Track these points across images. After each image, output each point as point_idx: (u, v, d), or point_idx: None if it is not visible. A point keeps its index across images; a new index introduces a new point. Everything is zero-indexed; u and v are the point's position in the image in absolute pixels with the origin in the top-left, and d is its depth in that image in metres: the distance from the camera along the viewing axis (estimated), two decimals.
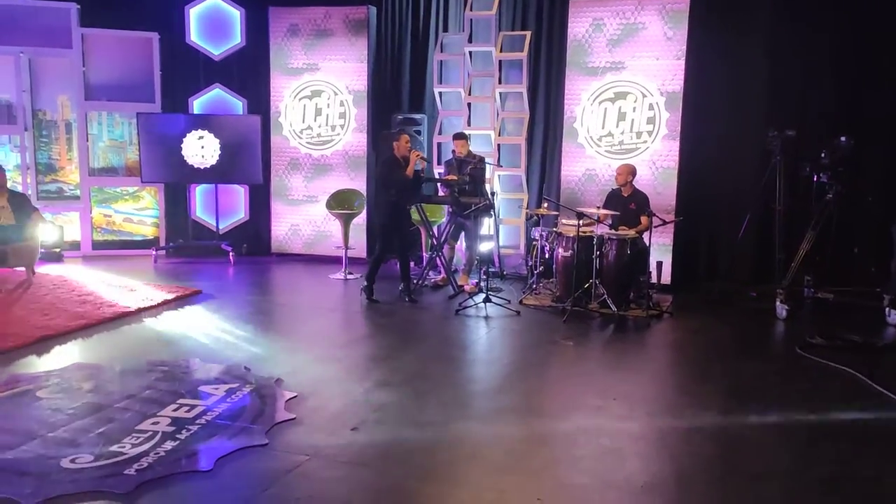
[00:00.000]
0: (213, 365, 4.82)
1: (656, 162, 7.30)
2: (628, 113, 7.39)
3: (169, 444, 3.62)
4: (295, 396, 4.26)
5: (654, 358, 5.39)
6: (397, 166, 6.55)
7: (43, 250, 7.69)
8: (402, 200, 6.63)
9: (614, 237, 6.38)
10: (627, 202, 6.75)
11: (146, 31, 8.55)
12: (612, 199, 6.85)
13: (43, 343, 5.24)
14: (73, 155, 8.71)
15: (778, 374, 4.92)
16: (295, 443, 3.66)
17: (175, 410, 4.04)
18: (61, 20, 8.36)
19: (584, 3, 7.44)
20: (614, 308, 6.18)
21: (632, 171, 6.82)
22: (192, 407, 4.09)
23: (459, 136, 7.20)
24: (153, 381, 4.50)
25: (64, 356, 4.99)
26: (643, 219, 6.64)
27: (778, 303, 6.38)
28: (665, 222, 6.55)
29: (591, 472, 3.41)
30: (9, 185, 7.38)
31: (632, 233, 6.49)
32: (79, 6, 8.36)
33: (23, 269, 7.10)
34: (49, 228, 7.91)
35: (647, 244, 6.41)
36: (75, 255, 8.56)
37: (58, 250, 8.32)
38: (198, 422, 3.90)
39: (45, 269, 7.62)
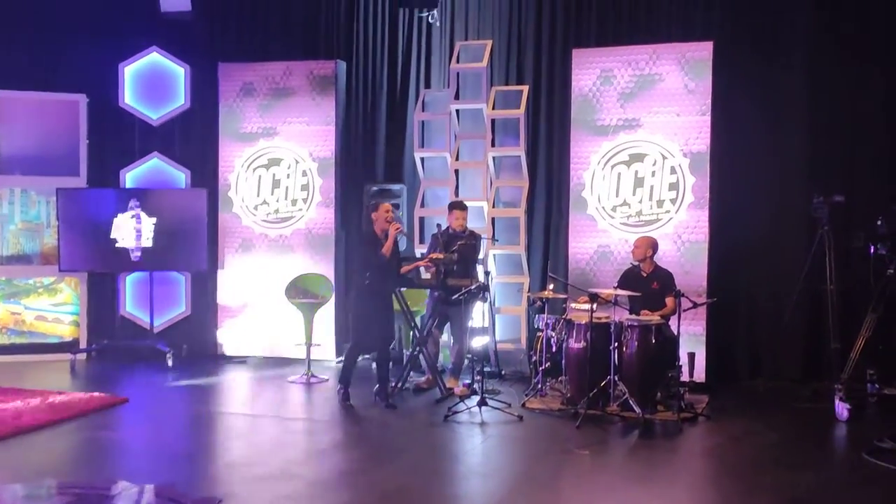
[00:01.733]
0: (140, 487, 4.69)
1: (682, 235, 7.43)
2: (646, 178, 7.57)
3: None
4: None
5: (689, 468, 5.33)
6: (374, 244, 6.61)
7: None
8: (381, 285, 6.64)
9: (636, 324, 6.39)
10: (649, 282, 6.81)
11: (72, 92, 8.78)
12: (630, 279, 6.88)
13: None
14: None
15: (842, 485, 4.87)
16: None
17: None
18: None
19: (590, 53, 7.76)
20: (638, 410, 6.14)
21: (652, 245, 6.94)
22: None
23: (458, 206, 7.29)
24: None
25: None
26: (669, 300, 6.67)
27: (837, 401, 6.35)
28: (696, 305, 6.59)
29: None
30: None
31: (656, 318, 6.52)
32: None
33: None
34: None
35: (676, 332, 6.40)
36: None
37: None
38: None
39: None
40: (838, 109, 7.43)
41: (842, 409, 6.31)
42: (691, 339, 7.16)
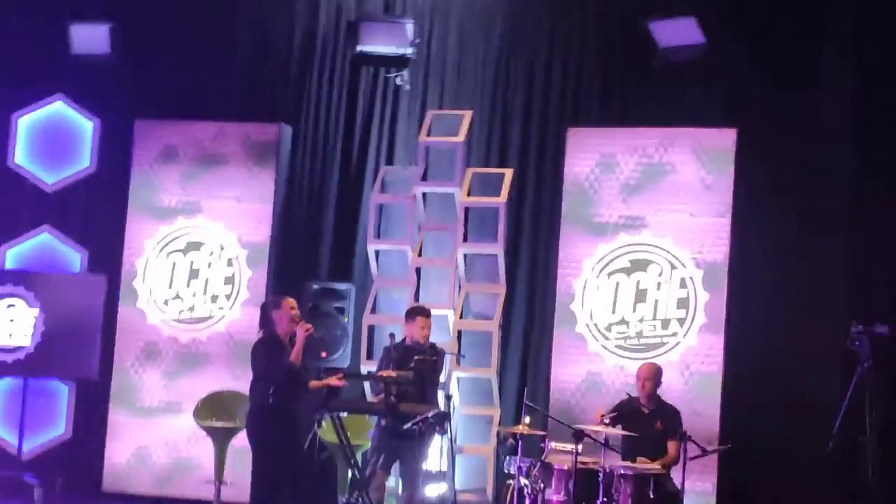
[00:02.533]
0: None
1: (691, 365, 7.47)
2: (650, 291, 7.63)
3: None
4: None
5: None
6: (279, 348, 6.39)
7: None
8: (290, 405, 6.41)
9: (630, 472, 6.30)
10: (651, 421, 6.75)
11: None
12: (628, 415, 6.76)
13: None
14: None
15: None
16: None
17: None
18: None
19: (589, 133, 7.96)
20: None
21: (655, 375, 6.92)
22: None
23: (421, 312, 7.10)
24: None
25: None
26: (672, 446, 6.61)
27: None
28: (706, 452, 6.51)
29: None
30: None
31: (656, 466, 6.44)
32: None
33: None
34: None
35: (680, 487, 6.32)
36: None
37: None
38: None
39: None
40: (887, 222, 7.48)
41: None
42: (699, 498, 7.12)
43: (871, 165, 7.59)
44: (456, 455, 7.58)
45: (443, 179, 8.31)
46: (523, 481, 6.70)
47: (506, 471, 7.06)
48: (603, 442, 6.39)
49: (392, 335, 7.17)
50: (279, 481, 6.40)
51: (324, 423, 6.91)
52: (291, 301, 6.50)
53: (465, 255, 8.15)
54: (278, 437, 6.30)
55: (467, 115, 8.35)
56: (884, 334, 6.79)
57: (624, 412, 6.81)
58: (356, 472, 7.10)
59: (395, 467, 7.22)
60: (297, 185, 8.96)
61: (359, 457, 7.40)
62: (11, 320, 8.52)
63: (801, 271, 7.66)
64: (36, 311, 8.54)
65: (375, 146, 8.86)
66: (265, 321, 6.53)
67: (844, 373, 7.08)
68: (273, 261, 8.65)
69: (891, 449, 6.86)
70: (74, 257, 8.99)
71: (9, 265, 8.90)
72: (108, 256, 8.87)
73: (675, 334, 7.57)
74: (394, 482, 7.40)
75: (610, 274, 7.76)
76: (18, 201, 9.01)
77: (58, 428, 8.88)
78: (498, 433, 7.58)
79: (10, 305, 8.54)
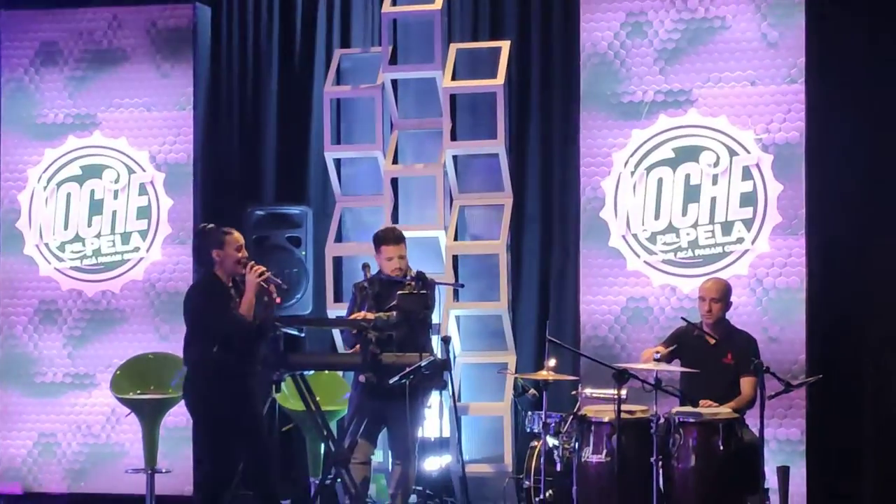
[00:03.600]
0: None
1: (764, 280, 7.50)
2: (704, 186, 7.65)
3: None
4: None
5: None
6: (224, 296, 6.48)
7: None
8: (238, 365, 6.48)
9: (692, 419, 6.41)
10: (718, 353, 6.80)
11: None
12: (688, 346, 6.89)
13: None
14: None
15: None
16: None
17: None
18: None
19: None
20: None
21: (725, 294, 6.95)
22: None
23: (389, 238, 7.21)
24: None
25: None
26: (746, 383, 6.68)
27: None
28: (789, 387, 6.52)
29: None
30: None
31: (726, 410, 6.52)
32: None
33: None
34: None
35: (759, 433, 6.34)
36: None
37: None
38: None
39: None
40: None
41: None
42: (783, 447, 7.24)
43: None
44: (461, 416, 7.69)
45: (418, 61, 8.35)
46: (552, 442, 6.86)
47: (528, 430, 7.22)
48: (654, 384, 6.41)
49: (366, 266, 7.28)
50: (230, 462, 6.61)
51: (283, 386, 6.86)
52: (237, 236, 6.57)
53: (454, 158, 8.18)
54: (226, 407, 6.38)
55: None
56: None
57: (682, 344, 6.90)
58: (331, 445, 7.07)
59: (382, 436, 7.38)
60: (224, 83, 9.03)
61: (333, 426, 7.50)
62: None
63: None
64: None
65: (325, 25, 8.88)
66: (202, 261, 6.64)
67: None
68: (200, 184, 8.71)
69: None
70: None
71: None
72: None
73: (740, 241, 7.57)
74: (381, 455, 7.61)
75: (649, 168, 7.77)
76: None
77: None
78: (515, 383, 7.64)
79: None
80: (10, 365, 8.74)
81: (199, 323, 6.45)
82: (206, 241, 6.58)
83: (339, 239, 8.36)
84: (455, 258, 8.14)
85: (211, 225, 6.78)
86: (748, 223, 7.56)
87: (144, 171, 8.69)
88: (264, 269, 6.48)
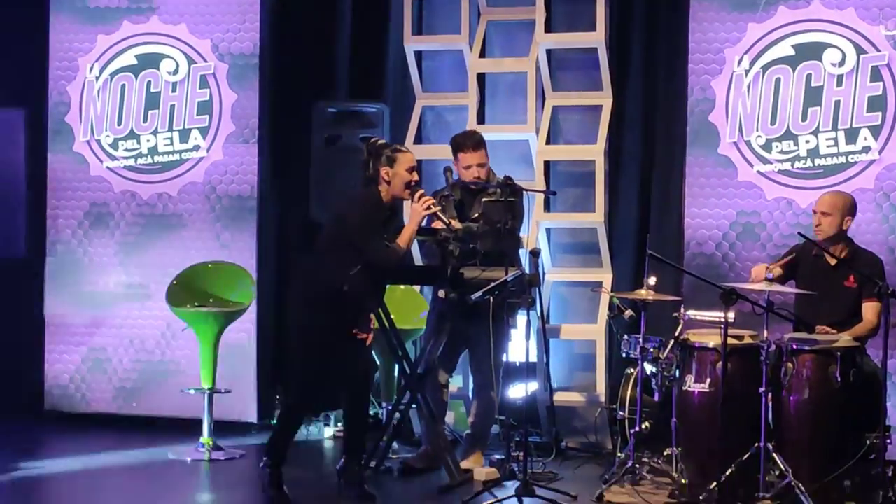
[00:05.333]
0: None
1: (891, 193, 7.09)
2: (826, 88, 7.13)
3: None
4: None
5: None
6: (379, 221, 6.33)
7: None
8: (366, 294, 6.35)
9: (808, 347, 6.03)
10: (839, 275, 6.38)
11: None
12: (805, 267, 6.48)
13: None
14: None
15: None
16: None
17: None
18: None
19: None
20: None
21: (848, 210, 6.47)
22: None
23: (468, 145, 6.98)
24: None
25: None
26: (869, 308, 6.27)
27: None
28: None
29: None
30: None
31: (846, 337, 6.09)
32: None
33: None
34: None
35: (882, 364, 5.96)
36: None
37: None
38: None
39: None
40: None
41: None
42: None
43: None
44: (550, 338, 7.50)
45: None
46: (650, 369, 6.60)
47: (623, 355, 6.94)
48: (765, 306, 6.08)
49: (448, 170, 7.08)
50: (322, 385, 6.58)
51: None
52: (410, 156, 6.45)
53: (548, 53, 7.85)
54: (342, 331, 6.30)
55: None
56: None
57: (798, 263, 6.54)
58: (406, 368, 6.99)
59: (463, 359, 7.31)
60: None
61: (409, 348, 7.42)
62: None
63: None
64: None
65: None
66: (367, 176, 6.46)
67: None
68: (267, 77, 8.36)
69: None
70: None
71: None
72: (25, 84, 8.68)
73: (867, 150, 7.07)
74: (461, 380, 7.59)
75: (766, 67, 7.27)
76: None
77: None
78: (610, 303, 7.29)
79: None
80: (58, 273, 8.53)
81: (348, 239, 6.31)
82: (376, 155, 6.38)
83: (418, 140, 8.06)
84: (547, 164, 7.87)
85: (382, 139, 6.78)
86: (875, 130, 7.08)
87: (206, 61, 8.37)
88: (433, 200, 6.47)
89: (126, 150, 8.42)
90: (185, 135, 8.33)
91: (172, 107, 8.35)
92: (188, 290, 7.77)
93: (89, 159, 8.44)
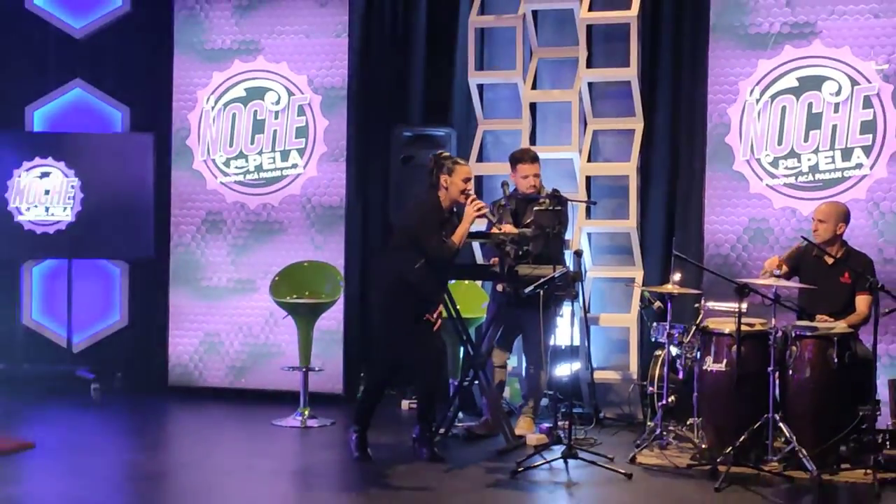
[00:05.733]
0: None
1: (881, 203, 7.40)
2: (825, 115, 7.52)
3: None
4: None
5: None
6: (438, 223, 6.66)
7: None
8: (431, 284, 6.70)
9: (808, 333, 6.39)
10: (835, 272, 6.76)
11: None
12: (806, 265, 6.86)
13: None
14: None
15: None
16: None
17: None
18: None
19: None
20: (812, 467, 6.06)
21: (842, 218, 6.87)
22: None
23: (526, 158, 7.34)
24: None
25: None
26: (862, 301, 6.63)
27: None
28: None
29: None
30: None
31: (841, 325, 6.47)
32: None
33: None
34: None
35: (872, 348, 6.26)
36: None
37: None
38: None
39: None
40: None
41: None
42: None
43: None
44: (591, 325, 7.80)
45: None
46: (675, 351, 6.97)
47: (653, 340, 7.30)
48: (773, 298, 6.45)
49: (504, 184, 7.35)
50: (398, 360, 6.84)
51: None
52: (467, 169, 6.75)
53: (590, 85, 8.12)
54: (413, 313, 6.63)
55: None
56: None
57: (800, 262, 6.87)
58: (470, 350, 7.34)
59: (517, 343, 7.60)
60: (376, 13, 8.95)
61: (472, 333, 7.66)
62: (46, 192, 8.75)
63: None
64: (74, 181, 8.76)
65: None
66: (430, 183, 6.74)
67: None
68: (353, 106, 8.71)
69: None
70: (114, 115, 9.21)
71: (37, 128, 9.12)
72: (153, 112, 9.05)
73: (859, 166, 7.45)
74: (516, 360, 7.76)
75: (774, 97, 7.67)
76: (42, 51, 9.18)
77: (112, 315, 9.29)
78: (641, 296, 7.69)
79: (43, 175, 8.77)
80: (180, 270, 8.92)
81: (412, 237, 6.61)
82: (438, 166, 6.68)
83: (479, 159, 8.32)
84: (588, 178, 8.13)
85: (446, 153, 6.98)
86: (867, 149, 7.44)
87: (303, 93, 8.72)
88: (483, 204, 6.70)
89: (236, 167, 8.75)
90: (285, 155, 8.65)
91: (275, 131, 8.67)
92: (288, 284, 8.11)
93: (206, 176, 8.81)
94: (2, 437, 7.15)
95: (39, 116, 9.20)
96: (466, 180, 6.64)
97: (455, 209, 6.70)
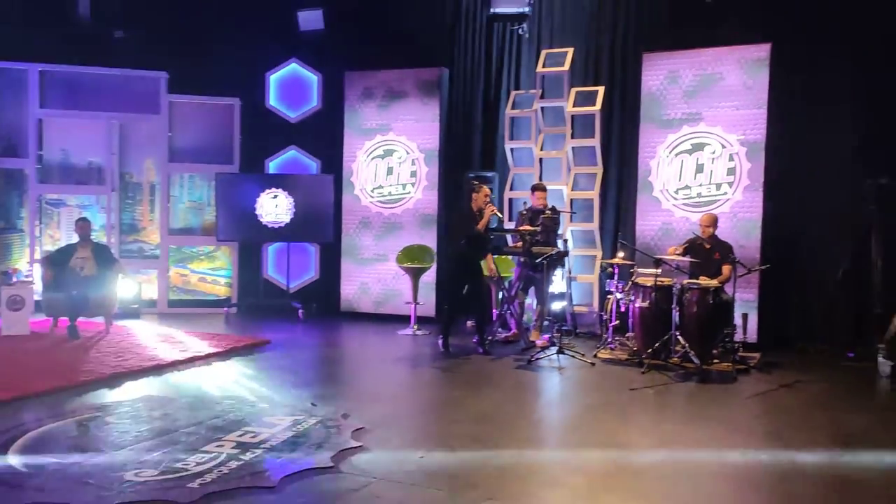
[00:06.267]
0: (279, 400, 4.86)
1: (738, 214, 7.16)
2: (706, 164, 7.30)
3: (233, 464, 3.62)
4: (361, 428, 4.23)
5: (744, 406, 5.10)
6: (471, 219, 6.65)
7: (120, 306, 7.95)
8: (472, 253, 6.68)
9: (695, 286, 6.21)
10: (711, 252, 6.58)
11: (229, 96, 9.08)
12: (694, 248, 6.63)
13: (115, 379, 5.40)
14: (154, 216, 9.10)
15: (889, 424, 4.57)
16: (361, 467, 3.61)
17: (240, 436, 4.06)
18: (151, 87, 8.93)
19: (658, 57, 7.47)
20: (697, 361, 5.92)
21: (715, 221, 6.72)
22: (257, 434, 4.10)
23: (539, 188, 7.29)
24: (219, 412, 4.55)
25: (134, 391, 5.12)
26: (725, 268, 6.46)
27: (880, 359, 6.04)
28: (749, 270, 6.39)
29: None
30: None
31: (714, 283, 6.29)
32: (168, 74, 8.93)
33: (101, 318, 7.37)
34: (128, 284, 8.21)
35: (732, 296, 6.20)
36: (151, 313, 8.81)
37: (135, 306, 8.57)
38: (262, 446, 3.89)
39: (122, 323, 7.88)
40: (885, 102, 6.84)
41: (885, 365, 5.98)
42: (745, 304, 6.87)
43: (876, 66, 6.86)
44: (572, 281, 7.65)
45: (555, 97, 8.04)
46: (619, 296, 6.78)
47: (606, 290, 7.16)
48: (675, 266, 6.37)
49: (525, 202, 7.39)
50: (459, 299, 6.76)
51: (482, 261, 6.88)
52: (488, 190, 6.71)
53: (572, 148, 7.97)
54: (464, 271, 6.65)
55: (570, 51, 8.05)
56: (886, 184, 6.43)
57: (691, 247, 6.67)
58: (504, 294, 7.25)
59: (531, 291, 7.40)
60: (454, 108, 8.83)
61: (506, 284, 7.44)
62: (276, 206, 8.75)
63: (820, 142, 7.08)
64: (291, 200, 8.75)
65: (506, 77, 8.64)
66: (466, 198, 6.72)
67: (855, 215, 6.75)
68: (441, 159, 8.60)
69: (888, 265, 6.52)
70: (312, 164, 9.21)
71: (271, 171, 9.19)
72: (333, 163, 8.97)
73: (725, 193, 7.23)
74: (530, 300, 7.49)
75: (677, 154, 7.41)
76: (274, 130, 9.20)
77: (311, 273, 9.26)
78: (601, 265, 7.59)
79: (274, 196, 8.76)
80: (346, 248, 8.85)
81: (457, 227, 6.66)
82: (469, 187, 6.72)
83: (511, 188, 8.24)
84: (571, 200, 7.93)
85: (476, 181, 7.00)
86: (731, 184, 7.20)
87: (414, 153, 8.59)
88: (495, 208, 6.71)
89: (380, 193, 8.66)
90: (404, 187, 8.56)
91: (399, 174, 8.58)
92: (406, 257, 8.11)
93: (361, 197, 8.72)
94: (252, 336, 7.21)
95: (272, 165, 9.24)
96: (487, 195, 6.64)
97: (480, 211, 6.63)
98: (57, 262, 7.27)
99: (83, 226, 7.48)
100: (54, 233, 8.89)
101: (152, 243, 9.11)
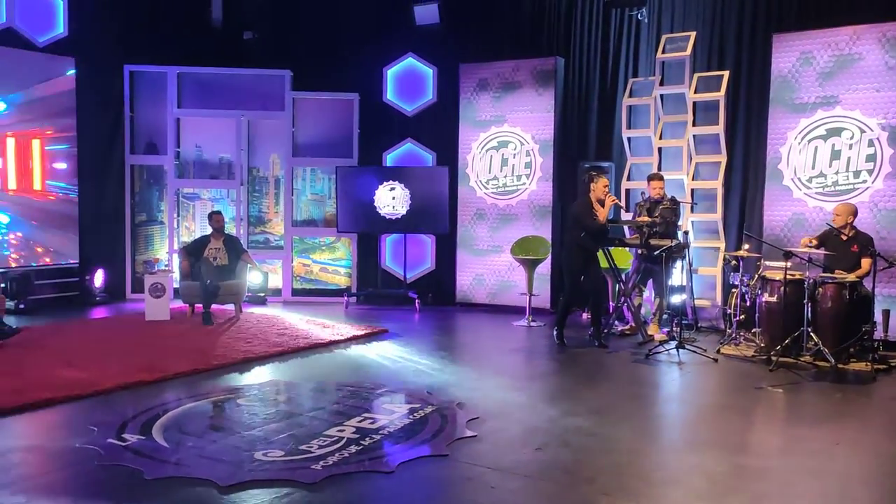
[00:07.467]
0: (396, 387, 5.00)
1: (878, 203, 6.69)
2: (843, 151, 6.87)
3: (353, 448, 3.77)
4: (476, 418, 4.28)
5: (884, 408, 4.80)
6: (591, 209, 6.54)
7: (249, 294, 8.41)
8: (591, 244, 6.57)
9: (830, 280, 5.87)
10: (848, 244, 6.20)
11: (348, 92, 9.34)
12: (830, 240, 6.29)
13: (245, 364, 5.73)
14: (279, 208, 9.52)
15: None
16: (475, 456, 3.65)
17: (360, 422, 4.21)
18: (277, 85, 9.36)
19: (790, 38, 7.07)
20: (832, 360, 5.62)
21: (853, 212, 6.28)
22: (376, 420, 4.24)
23: (656, 177, 7.07)
24: (340, 398, 4.74)
25: (262, 375, 5.41)
26: (865, 261, 6.08)
27: None
28: (891, 264, 5.96)
29: None
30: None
31: (852, 276, 5.94)
32: (292, 73, 9.32)
33: (232, 305, 7.83)
34: (256, 273, 8.65)
35: (872, 291, 5.82)
36: (276, 300, 9.24)
37: (262, 294, 9.04)
38: (381, 432, 4.03)
39: (250, 310, 8.32)
40: None
41: None
42: (886, 299, 6.42)
43: None
44: (693, 273, 7.39)
45: (675, 83, 7.73)
46: (744, 290, 6.57)
47: (730, 283, 6.90)
48: (808, 259, 6.06)
49: (643, 193, 7.20)
50: (578, 291, 6.67)
51: (598, 254, 6.78)
52: (605, 180, 6.60)
53: (693, 136, 7.67)
54: (583, 263, 6.53)
55: (692, 35, 7.69)
56: None
57: (826, 239, 6.34)
58: (621, 286, 7.12)
59: (649, 284, 7.22)
60: (569, 98, 8.65)
61: (623, 276, 7.30)
62: (393, 198, 8.91)
63: None
64: (407, 192, 8.89)
65: (623, 65, 8.36)
66: (584, 190, 6.66)
67: None
68: (556, 150, 8.48)
69: None
70: (428, 157, 9.29)
71: (388, 164, 9.34)
72: (449, 155, 9.01)
73: (864, 182, 6.77)
74: (648, 293, 7.34)
75: (810, 140, 7.00)
76: (390, 124, 9.36)
77: (427, 264, 9.35)
78: (725, 258, 7.29)
79: (391, 188, 8.91)
80: (462, 239, 8.90)
81: (577, 220, 6.49)
82: (589, 178, 6.62)
83: (628, 179, 8.00)
84: (692, 190, 7.62)
85: (595, 171, 6.83)
86: (871, 172, 6.76)
87: (529, 143, 8.48)
88: (615, 198, 6.62)
89: (495, 185, 8.63)
90: (519, 178, 8.47)
91: (514, 165, 8.48)
92: (521, 248, 8.02)
93: (476, 189, 8.76)
94: (371, 325, 7.39)
95: (389, 158, 9.39)
96: (605, 186, 6.53)
97: (600, 201, 6.53)
98: (193, 253, 7.77)
99: (218, 219, 7.95)
100: (189, 224, 9.48)
101: (277, 234, 9.52)
